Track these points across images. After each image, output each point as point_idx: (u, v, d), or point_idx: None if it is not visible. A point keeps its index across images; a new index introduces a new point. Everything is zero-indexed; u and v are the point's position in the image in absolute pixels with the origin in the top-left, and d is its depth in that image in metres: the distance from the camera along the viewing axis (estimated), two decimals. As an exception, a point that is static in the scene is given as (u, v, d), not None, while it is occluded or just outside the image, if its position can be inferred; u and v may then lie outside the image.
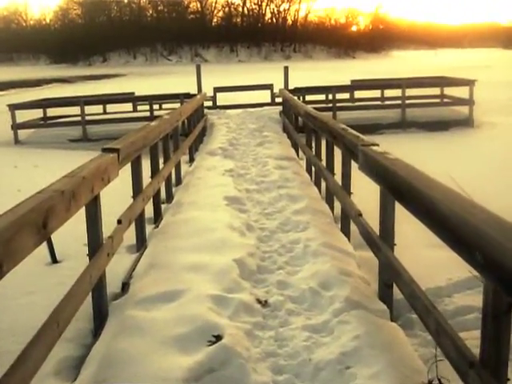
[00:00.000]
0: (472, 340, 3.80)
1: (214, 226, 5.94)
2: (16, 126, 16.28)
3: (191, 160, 11.52)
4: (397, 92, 17.25)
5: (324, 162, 7.47)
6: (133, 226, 5.70)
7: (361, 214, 5.13)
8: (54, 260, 5.86)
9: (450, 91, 18.18)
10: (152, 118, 14.18)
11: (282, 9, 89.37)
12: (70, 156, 13.10)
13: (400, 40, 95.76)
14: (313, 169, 8.74)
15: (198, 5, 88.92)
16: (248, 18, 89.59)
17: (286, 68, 18.28)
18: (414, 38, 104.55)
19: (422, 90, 18.58)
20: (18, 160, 13.26)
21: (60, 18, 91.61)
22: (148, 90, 20.59)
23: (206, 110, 16.35)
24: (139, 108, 18.01)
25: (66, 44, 78.50)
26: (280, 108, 16.26)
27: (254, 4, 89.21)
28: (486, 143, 13.75)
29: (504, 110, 18.41)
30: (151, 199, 6.71)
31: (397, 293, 4.07)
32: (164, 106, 18.16)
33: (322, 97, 18.01)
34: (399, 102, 16.77)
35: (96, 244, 4.12)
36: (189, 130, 12.76)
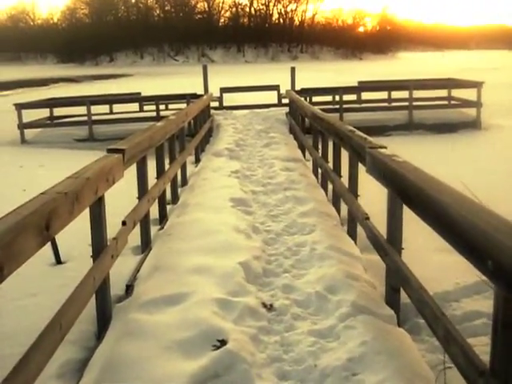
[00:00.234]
0: (480, 346, 3.75)
1: (219, 227, 5.90)
2: (22, 126, 16.29)
3: (197, 161, 11.49)
4: (404, 94, 17.17)
5: (331, 164, 7.42)
6: (138, 228, 5.66)
7: (368, 218, 5.08)
8: (59, 261, 5.83)
9: (457, 93, 18.09)
10: (158, 118, 14.18)
11: (289, 9, 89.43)
12: (75, 156, 13.08)
13: (407, 41, 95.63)
14: (319, 171, 8.69)
15: (206, 5, 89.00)
16: (255, 18, 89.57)
17: (293, 69, 18.22)
18: (421, 39, 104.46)
19: (430, 92, 18.50)
20: (23, 160, 13.27)
21: (67, 18, 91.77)
22: (155, 90, 20.58)
23: (212, 111, 16.32)
24: (146, 108, 17.98)
25: (73, 43, 78.67)
26: (287, 109, 16.21)
27: (262, 4, 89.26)
28: (494, 146, 13.66)
29: (511, 112, 18.29)
30: (156, 200, 6.67)
31: (403, 297, 4.02)
32: (170, 106, 18.13)
33: (328, 98, 17.93)
34: (406, 103, 16.69)
35: (100, 246, 4.08)
36: (195, 130, 12.72)
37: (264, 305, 4.29)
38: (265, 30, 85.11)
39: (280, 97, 17.90)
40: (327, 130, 7.47)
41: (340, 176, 6.91)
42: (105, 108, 18.17)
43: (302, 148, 11.37)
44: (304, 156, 10.94)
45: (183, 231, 5.99)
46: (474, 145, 14.07)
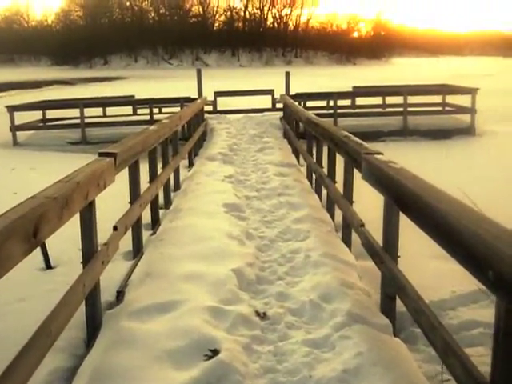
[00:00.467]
0: (478, 357, 3.68)
1: (212, 233, 5.82)
2: (15, 128, 16.16)
3: (190, 165, 11.42)
4: (398, 99, 17.15)
5: (325, 170, 7.36)
6: (129, 232, 5.58)
7: (363, 225, 5.02)
8: (48, 266, 5.74)
9: (451, 99, 18.09)
10: (152, 121, 14.08)
11: (283, 14, 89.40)
12: (68, 159, 12.98)
13: (401, 47, 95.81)
14: (313, 176, 8.62)
15: (200, 8, 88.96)
16: (250, 22, 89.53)
17: (288, 73, 18.18)
18: (415, 45, 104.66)
19: (424, 98, 18.50)
20: (15, 162, 13.16)
21: (62, 20, 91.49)
22: (148, 94, 20.50)
23: (206, 115, 16.25)
24: (139, 111, 17.88)
25: (67, 46, 78.45)
26: (281, 114, 16.16)
27: (256, 9, 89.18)
28: (489, 152, 13.64)
29: (505, 119, 18.33)
30: (149, 205, 6.59)
31: (399, 305, 3.95)
32: (164, 109, 18.03)
33: (323, 103, 17.89)
34: (401, 109, 16.66)
35: (90, 251, 3.99)
36: (188, 134, 12.65)
37: (257, 313, 4.21)
38: (259, 35, 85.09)
39: (274, 101, 17.84)
40: (322, 135, 7.41)
41: (335, 182, 6.85)
42: (98, 111, 18.06)
43: (296, 153, 11.31)
44: (298, 161, 10.88)
45: (175, 236, 5.91)
46: (469, 151, 14.05)
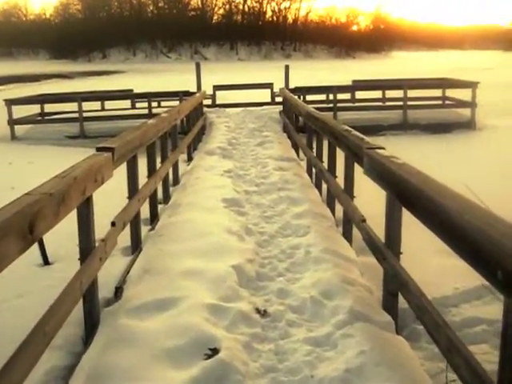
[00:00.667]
0: (481, 355, 3.64)
1: (211, 229, 5.76)
2: (13, 122, 16.08)
3: (189, 159, 11.35)
4: (398, 93, 17.06)
5: (325, 164, 7.29)
6: (128, 228, 5.51)
7: (364, 220, 4.95)
8: (46, 262, 5.68)
9: (451, 93, 18.00)
10: (150, 115, 14.00)
11: (282, 7, 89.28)
12: (66, 153, 12.89)
13: (401, 41, 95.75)
14: (313, 170, 8.55)
15: (199, 2, 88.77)
16: (248, 15, 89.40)
17: (287, 67, 18.09)
18: (415, 38, 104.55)
19: (424, 92, 18.41)
20: (13, 156, 13.09)
21: (60, 13, 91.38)
22: (147, 87, 20.41)
23: (205, 109, 16.18)
24: (138, 105, 17.79)
25: (65, 39, 78.35)
26: (280, 107, 16.08)
27: (255, 2, 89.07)
28: (489, 146, 13.57)
29: (505, 113, 18.26)
30: (147, 200, 6.52)
31: (401, 301, 3.89)
32: (163, 103, 17.94)
33: (322, 97, 17.79)
34: (401, 103, 16.58)
35: (88, 248, 3.93)
36: (187, 128, 12.57)
37: (258, 310, 4.15)
38: (258, 28, 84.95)
39: (273, 95, 17.77)
40: (322, 129, 7.34)
41: (335, 176, 6.78)
42: (96, 105, 17.97)
43: (296, 147, 11.24)
44: (298, 155, 10.81)
45: (175, 232, 5.85)
46: (469, 145, 13.98)
